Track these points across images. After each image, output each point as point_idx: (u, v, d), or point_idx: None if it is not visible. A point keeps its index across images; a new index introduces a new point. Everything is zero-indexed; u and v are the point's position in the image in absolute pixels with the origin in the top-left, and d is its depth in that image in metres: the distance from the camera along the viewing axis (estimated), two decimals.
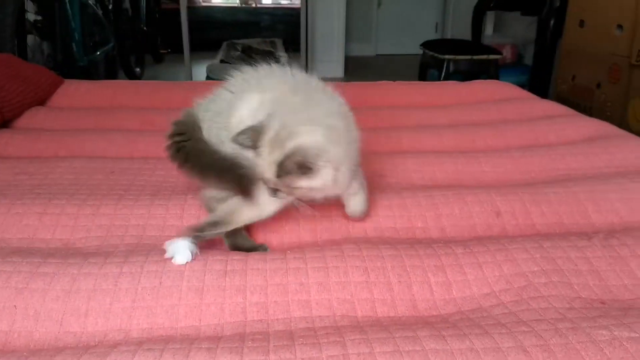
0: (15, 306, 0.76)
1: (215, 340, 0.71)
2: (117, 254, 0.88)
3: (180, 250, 0.85)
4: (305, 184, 0.84)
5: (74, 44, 2.91)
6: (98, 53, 3.23)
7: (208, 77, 3.71)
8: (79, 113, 1.65)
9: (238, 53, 4.28)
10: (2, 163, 1.24)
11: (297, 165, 0.81)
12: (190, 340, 0.70)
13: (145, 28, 4.50)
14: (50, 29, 2.74)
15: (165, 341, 0.70)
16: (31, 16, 2.73)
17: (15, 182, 1.15)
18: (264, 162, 0.84)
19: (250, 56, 4.14)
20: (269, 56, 4.20)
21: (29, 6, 2.67)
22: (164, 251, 0.87)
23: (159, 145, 1.42)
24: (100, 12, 3.32)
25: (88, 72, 3.05)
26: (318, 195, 0.89)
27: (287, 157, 0.81)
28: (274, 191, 0.87)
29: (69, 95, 1.79)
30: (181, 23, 3.98)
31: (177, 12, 4.15)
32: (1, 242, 0.95)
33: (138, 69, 4.18)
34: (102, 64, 3.45)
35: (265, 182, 0.87)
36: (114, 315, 0.76)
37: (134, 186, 1.16)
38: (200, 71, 4.28)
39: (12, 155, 1.35)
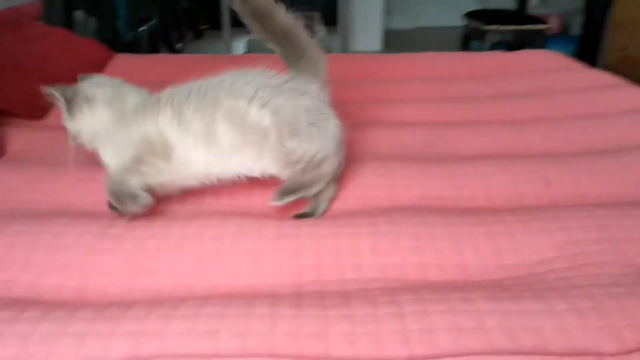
0: (88, 263, 0.81)
1: (274, 297, 0.74)
2: (178, 217, 0.92)
3: None
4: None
5: (119, 20, 2.98)
6: (142, 29, 3.30)
7: (248, 51, 3.74)
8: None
9: None
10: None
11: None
12: (251, 297, 0.74)
13: (186, 4, 4.54)
14: (97, 5, 2.81)
15: (229, 297, 0.74)
16: None
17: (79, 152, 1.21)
18: None
19: None
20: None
21: None
22: (222, 215, 0.91)
23: None
24: None
25: (132, 48, 3.12)
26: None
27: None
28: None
29: (120, 69, 1.85)
30: None
31: None
32: (70, 205, 1.00)
33: (179, 45, 4.25)
34: (145, 40, 3.52)
35: None
36: (179, 274, 0.81)
37: None
38: (239, 46, 4.31)
39: None
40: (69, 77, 1.62)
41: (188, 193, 1.04)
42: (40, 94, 1.39)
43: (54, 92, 0.93)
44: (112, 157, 0.92)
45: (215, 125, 0.90)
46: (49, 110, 1.46)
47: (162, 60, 1.94)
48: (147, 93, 1.00)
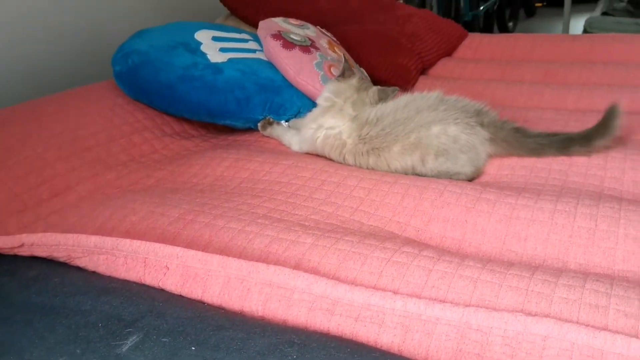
0: (466, 221, 0.90)
1: None
2: (546, 192, 0.94)
3: None
4: None
5: (462, 0, 3.09)
6: (481, 8, 3.36)
7: (585, 31, 3.45)
8: (483, 64, 1.77)
9: (623, 4, 3.81)
10: None
11: None
12: (632, 282, 0.72)
13: None
14: None
15: (607, 277, 0.74)
16: None
17: None
18: None
19: (638, 7, 3.65)
20: None
21: None
22: (594, 195, 0.90)
23: (564, 98, 1.44)
24: None
25: (471, 27, 3.21)
26: None
27: None
28: None
29: (472, 48, 1.94)
30: None
31: None
32: None
33: (511, 23, 4.17)
34: (481, 19, 3.58)
35: None
36: (552, 245, 0.83)
37: None
38: (576, 25, 4.00)
39: None
40: (436, 54, 1.78)
41: (554, 171, 1.05)
42: (409, 69, 1.56)
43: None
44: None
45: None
46: (414, 83, 1.63)
47: (511, 39, 1.95)
48: None
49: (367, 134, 1.12)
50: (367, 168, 1.12)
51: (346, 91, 1.20)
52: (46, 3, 1.50)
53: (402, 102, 1.13)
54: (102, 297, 0.70)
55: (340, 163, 1.16)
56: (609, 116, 1.08)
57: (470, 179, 1.07)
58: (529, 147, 1.10)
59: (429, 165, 1.07)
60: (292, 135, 1.26)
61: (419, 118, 1.09)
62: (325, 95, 1.21)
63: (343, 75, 1.23)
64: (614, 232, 0.82)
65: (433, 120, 1.08)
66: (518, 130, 1.11)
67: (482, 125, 1.09)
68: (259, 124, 1.33)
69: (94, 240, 0.81)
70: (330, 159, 1.17)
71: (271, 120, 1.34)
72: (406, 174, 1.09)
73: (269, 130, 1.32)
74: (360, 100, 1.19)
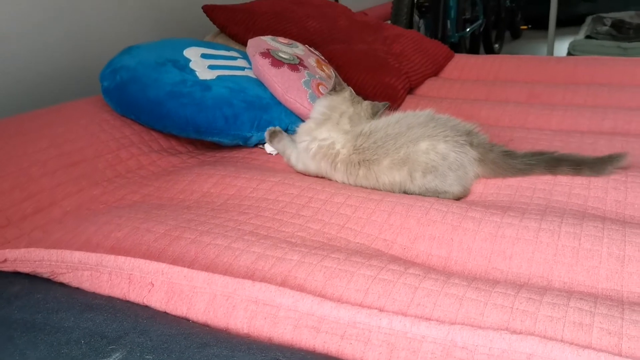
0: (452, 239, 0.91)
1: None
2: (531, 211, 0.95)
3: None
4: None
5: (449, 22, 3.14)
6: (468, 30, 3.41)
7: (569, 54, 3.52)
8: (469, 84, 1.80)
9: (606, 28, 3.90)
10: None
11: None
12: (616, 301, 0.73)
13: (508, 3, 4.50)
14: (432, 8, 3.02)
15: (592, 296, 0.74)
16: None
17: None
18: None
19: (620, 31, 3.74)
20: None
21: None
22: (578, 214, 0.91)
23: (548, 119, 1.46)
24: None
25: (457, 48, 3.26)
26: None
27: None
28: None
29: (459, 68, 1.97)
30: None
31: None
32: None
33: (497, 45, 4.24)
34: (467, 40, 3.63)
35: None
36: (536, 264, 0.84)
37: None
38: (560, 48, 4.08)
39: None
40: (423, 73, 1.81)
41: (538, 190, 1.06)
42: (396, 88, 1.58)
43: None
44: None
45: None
46: (401, 102, 1.65)
47: (497, 61, 1.99)
48: None
49: (360, 145, 1.13)
50: (356, 182, 1.13)
51: (341, 105, 1.21)
52: (34, 18, 1.50)
53: (394, 119, 1.15)
54: (86, 313, 0.69)
55: (330, 176, 1.16)
56: (610, 160, 1.08)
57: (458, 199, 1.08)
58: (517, 169, 1.11)
59: (417, 182, 1.08)
60: (293, 149, 1.26)
61: (409, 134, 1.10)
62: (319, 109, 1.22)
63: (335, 89, 1.24)
64: (597, 251, 0.83)
65: (422, 136, 1.09)
66: (506, 153, 1.12)
67: (471, 145, 1.10)
68: (266, 133, 1.32)
69: (78, 256, 0.80)
70: (321, 175, 1.18)
71: (278, 129, 1.32)
72: (393, 191, 1.10)
73: (275, 142, 1.31)
74: (356, 115, 1.20)
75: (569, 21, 4.63)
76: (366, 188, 1.12)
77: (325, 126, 1.19)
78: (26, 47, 1.48)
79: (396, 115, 1.16)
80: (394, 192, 1.09)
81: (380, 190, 1.10)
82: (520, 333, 0.63)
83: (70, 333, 0.65)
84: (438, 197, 1.07)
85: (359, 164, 1.12)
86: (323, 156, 1.16)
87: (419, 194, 1.08)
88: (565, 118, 1.46)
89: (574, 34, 3.80)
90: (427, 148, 1.07)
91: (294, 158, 1.23)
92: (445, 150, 1.07)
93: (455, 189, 1.08)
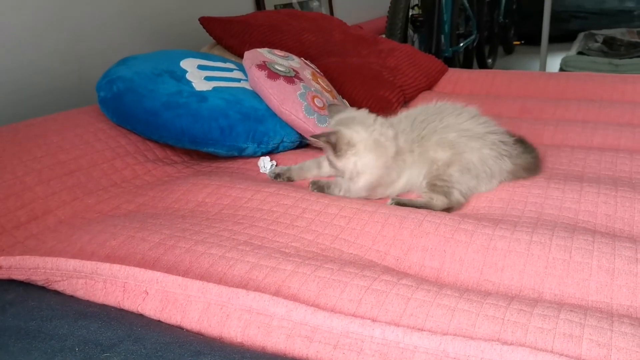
0: (444, 250, 0.92)
1: (632, 319, 0.72)
2: (522, 224, 0.97)
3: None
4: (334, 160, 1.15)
5: (443, 36, 3.18)
6: (461, 44, 3.45)
7: (561, 70, 3.56)
8: (462, 98, 1.81)
9: (598, 44, 3.96)
10: None
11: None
12: (605, 313, 0.74)
13: (502, 19, 4.56)
14: (426, 23, 3.06)
15: (582, 308, 0.75)
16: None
17: None
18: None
19: (611, 48, 3.80)
20: (634, 48, 3.77)
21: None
22: (569, 227, 0.93)
23: (540, 133, 1.48)
24: (467, 4, 3.52)
25: (451, 62, 3.29)
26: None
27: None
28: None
29: (452, 82, 1.99)
30: (543, 13, 3.88)
31: (536, 2, 4.07)
32: None
33: (490, 60, 4.29)
34: (461, 55, 3.67)
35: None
36: (528, 276, 0.85)
37: None
38: (552, 63, 4.13)
39: None
40: (417, 87, 1.83)
41: (530, 203, 1.08)
42: (390, 101, 1.59)
43: (320, 139, 1.13)
44: (365, 185, 1.15)
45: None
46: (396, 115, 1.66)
47: (490, 75, 2.01)
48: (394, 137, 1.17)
49: (407, 129, 1.18)
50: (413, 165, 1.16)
51: (364, 130, 1.16)
52: (31, 28, 1.51)
53: (426, 108, 1.24)
54: (80, 321, 0.69)
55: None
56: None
57: (449, 209, 1.10)
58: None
59: (449, 170, 1.12)
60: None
61: (457, 120, 1.17)
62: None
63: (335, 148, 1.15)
64: (587, 264, 0.85)
65: (473, 132, 1.15)
66: (533, 156, 1.23)
67: (510, 156, 1.16)
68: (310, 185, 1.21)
69: (73, 264, 0.80)
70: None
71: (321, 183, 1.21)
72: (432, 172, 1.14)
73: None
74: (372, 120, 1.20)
75: (561, 37, 4.70)
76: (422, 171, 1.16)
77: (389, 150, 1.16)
78: (23, 57, 1.49)
79: (425, 106, 1.24)
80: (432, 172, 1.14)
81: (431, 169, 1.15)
82: (512, 344, 0.64)
83: (64, 340, 0.65)
84: (430, 200, 1.10)
85: (413, 143, 1.16)
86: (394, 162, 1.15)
87: (431, 182, 1.12)
88: (557, 133, 1.48)
89: (566, 50, 3.86)
90: (474, 148, 1.13)
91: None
92: (487, 157, 1.13)
93: (457, 196, 1.11)
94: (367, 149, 1.14)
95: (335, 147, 1.13)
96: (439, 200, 1.10)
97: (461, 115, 1.19)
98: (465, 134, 1.14)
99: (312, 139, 1.15)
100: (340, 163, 1.15)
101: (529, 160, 1.20)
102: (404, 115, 1.23)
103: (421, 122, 1.18)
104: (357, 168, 1.14)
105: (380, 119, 1.20)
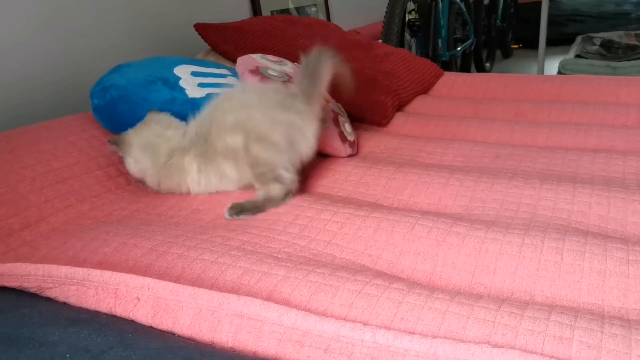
0: (436, 254, 0.92)
1: (623, 320, 0.72)
2: (515, 226, 0.97)
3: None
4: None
5: (440, 41, 3.19)
6: (459, 49, 3.46)
7: (559, 73, 3.57)
8: (458, 102, 1.82)
9: (595, 47, 3.97)
10: (405, 140, 1.48)
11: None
12: (597, 315, 0.74)
13: (499, 23, 4.57)
14: (423, 27, 3.06)
15: (573, 310, 0.75)
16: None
17: (418, 158, 1.37)
18: None
19: (609, 51, 3.81)
20: (632, 50, 3.78)
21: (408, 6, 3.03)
22: (561, 228, 0.93)
23: (534, 136, 1.48)
24: (464, 9, 3.53)
25: (448, 67, 3.30)
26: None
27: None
28: None
29: (447, 86, 2.00)
30: (540, 17, 3.89)
31: (533, 5, 4.08)
32: (413, 204, 1.15)
33: (488, 64, 4.30)
34: (458, 59, 3.68)
35: None
36: (519, 278, 0.85)
37: (520, 170, 1.24)
38: (550, 66, 4.14)
39: (408, 134, 1.60)
40: (412, 91, 1.83)
41: (523, 204, 1.08)
42: (385, 105, 1.60)
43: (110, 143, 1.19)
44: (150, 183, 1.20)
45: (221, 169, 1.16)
46: (390, 119, 1.67)
47: (485, 79, 2.02)
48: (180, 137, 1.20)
49: (193, 131, 1.18)
50: (204, 165, 1.17)
51: (155, 138, 1.20)
52: (23, 34, 1.51)
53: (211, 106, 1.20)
54: (71, 327, 0.69)
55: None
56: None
57: (288, 193, 1.12)
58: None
59: (254, 151, 1.11)
60: None
61: (230, 103, 1.16)
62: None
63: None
64: (579, 266, 0.85)
65: (252, 103, 1.14)
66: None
67: (293, 98, 1.15)
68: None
69: (64, 270, 0.80)
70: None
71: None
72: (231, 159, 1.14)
73: None
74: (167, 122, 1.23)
75: (559, 41, 4.71)
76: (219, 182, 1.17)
77: (161, 150, 1.18)
78: (15, 63, 1.50)
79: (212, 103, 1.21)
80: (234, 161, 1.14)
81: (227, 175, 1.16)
82: (502, 347, 0.64)
83: (55, 347, 0.65)
84: (267, 189, 1.10)
85: (200, 143, 1.16)
86: (175, 170, 1.18)
87: (254, 173, 1.12)
88: (551, 135, 1.48)
89: (564, 53, 3.87)
90: (255, 115, 1.12)
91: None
92: (272, 116, 1.12)
93: (287, 175, 1.11)
94: (140, 149, 1.17)
95: (118, 149, 1.18)
96: (276, 190, 1.10)
97: (233, 95, 1.18)
98: (243, 109, 1.13)
99: (109, 142, 1.20)
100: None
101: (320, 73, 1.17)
102: (196, 119, 1.23)
103: (203, 121, 1.18)
104: (133, 169, 1.19)
105: (175, 122, 1.23)
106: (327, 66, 1.17)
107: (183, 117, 1.29)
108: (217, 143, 1.14)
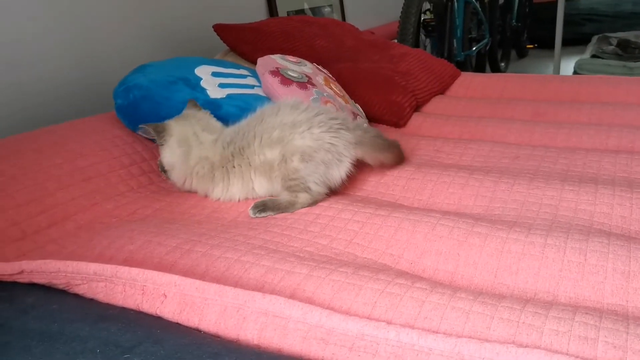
0: (458, 254, 0.92)
1: None
2: (537, 226, 0.97)
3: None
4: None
5: (455, 41, 3.18)
6: (474, 49, 3.45)
7: (575, 73, 3.54)
8: (475, 102, 1.82)
9: (612, 47, 3.93)
10: (423, 140, 1.48)
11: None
12: (621, 316, 0.74)
13: (514, 23, 4.55)
14: (438, 27, 3.06)
15: (597, 311, 0.75)
16: None
17: (437, 159, 1.37)
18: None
19: (626, 51, 3.77)
20: None
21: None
22: (584, 229, 0.93)
23: (554, 136, 1.48)
24: (479, 8, 3.51)
25: (463, 67, 3.29)
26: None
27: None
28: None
29: (464, 86, 1.99)
30: (555, 16, 3.86)
31: (549, 5, 4.05)
32: (432, 204, 1.15)
33: (503, 64, 4.28)
34: (473, 59, 3.67)
35: None
36: (542, 279, 0.85)
37: (540, 171, 1.23)
38: (566, 67, 4.11)
39: (425, 134, 1.60)
40: (429, 91, 1.83)
41: (545, 205, 1.07)
42: (402, 106, 1.60)
43: (149, 128, 1.18)
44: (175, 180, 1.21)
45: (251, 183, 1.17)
46: (407, 120, 1.67)
47: (502, 79, 2.01)
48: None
49: (228, 141, 1.17)
50: (233, 177, 1.16)
51: (188, 128, 1.20)
52: (49, 37, 1.54)
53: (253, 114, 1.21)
54: (100, 323, 0.70)
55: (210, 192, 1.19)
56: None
57: (312, 204, 1.12)
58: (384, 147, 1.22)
59: (292, 164, 1.11)
60: None
61: (275, 117, 1.15)
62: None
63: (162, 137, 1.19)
64: (602, 267, 0.84)
65: (298, 121, 1.13)
66: (377, 135, 1.22)
67: (347, 129, 1.15)
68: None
69: (93, 267, 0.82)
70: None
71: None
72: (267, 173, 1.14)
73: None
74: (206, 123, 1.23)
75: (574, 40, 4.68)
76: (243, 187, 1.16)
77: (192, 152, 1.18)
78: (42, 68, 1.52)
79: (250, 117, 1.21)
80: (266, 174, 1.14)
81: (255, 181, 1.16)
82: (527, 347, 0.64)
83: (85, 342, 0.66)
84: (294, 195, 1.11)
85: (232, 155, 1.16)
86: (202, 177, 1.18)
87: (285, 185, 1.12)
88: (571, 136, 1.47)
89: (580, 53, 3.83)
90: (302, 132, 1.11)
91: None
92: (321, 135, 1.11)
93: (316, 188, 1.11)
94: (178, 143, 1.17)
95: (159, 136, 1.17)
96: (302, 198, 1.11)
97: (280, 110, 1.16)
98: (288, 126, 1.13)
99: (142, 126, 1.18)
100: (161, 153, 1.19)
101: (378, 141, 1.21)
102: (232, 128, 1.22)
103: (243, 134, 1.17)
104: (167, 159, 1.18)
105: (212, 124, 1.23)
106: (392, 151, 1.24)
107: None
108: (255, 158, 1.14)
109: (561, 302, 0.81)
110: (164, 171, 1.21)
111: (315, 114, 1.15)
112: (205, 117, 1.23)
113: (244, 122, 1.20)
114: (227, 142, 1.17)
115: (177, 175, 1.19)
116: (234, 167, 1.16)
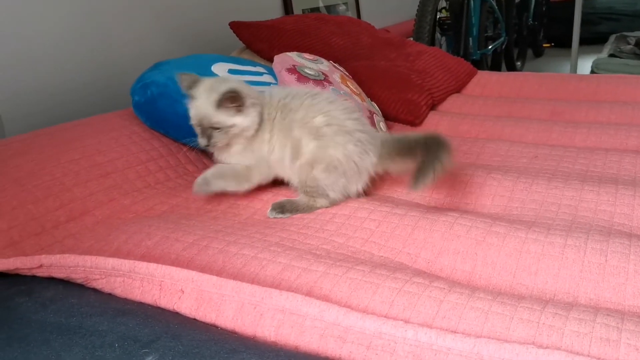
0: (476, 254, 0.91)
1: None
2: (556, 227, 0.96)
3: None
4: (239, 121, 1.08)
5: (471, 39, 3.15)
6: (490, 47, 3.42)
7: (592, 72, 3.50)
8: (492, 101, 1.80)
9: (630, 47, 3.88)
10: None
11: (231, 99, 1.06)
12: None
13: (531, 22, 4.50)
14: (454, 25, 3.04)
15: (618, 312, 0.74)
16: None
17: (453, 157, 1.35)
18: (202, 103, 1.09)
19: None
20: None
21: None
22: (604, 230, 0.92)
23: (572, 136, 1.46)
24: (495, 7, 3.48)
25: (479, 65, 3.26)
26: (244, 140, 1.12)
27: (224, 93, 1.05)
28: (208, 138, 1.09)
29: (481, 85, 1.98)
30: (574, 15, 3.82)
31: (565, 4, 4.00)
32: (450, 203, 1.14)
33: (519, 63, 4.24)
34: (489, 58, 3.64)
35: (202, 124, 1.10)
36: (562, 280, 0.84)
37: (559, 171, 1.22)
38: (583, 66, 4.06)
39: (441, 133, 1.58)
40: (445, 90, 1.82)
41: (564, 205, 1.06)
42: (418, 104, 1.59)
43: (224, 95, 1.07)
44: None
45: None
46: (424, 118, 1.66)
47: (519, 78, 1.99)
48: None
49: (282, 97, 1.15)
50: (280, 131, 1.12)
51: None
52: (66, 34, 1.55)
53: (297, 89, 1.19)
54: (119, 318, 0.71)
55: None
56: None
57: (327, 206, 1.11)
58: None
59: (314, 172, 1.09)
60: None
61: (327, 105, 1.12)
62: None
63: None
64: (624, 268, 0.83)
65: (343, 127, 1.10)
66: (398, 141, 1.13)
67: (374, 151, 1.12)
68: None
69: (111, 262, 0.82)
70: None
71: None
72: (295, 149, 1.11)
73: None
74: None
75: (592, 39, 4.62)
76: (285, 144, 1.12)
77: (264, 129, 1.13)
78: (59, 65, 1.54)
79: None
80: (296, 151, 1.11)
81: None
82: (547, 348, 0.63)
83: (104, 336, 0.67)
84: (312, 200, 1.10)
85: (280, 111, 1.13)
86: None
87: (302, 188, 1.10)
88: (589, 136, 1.46)
89: (597, 53, 3.79)
90: (339, 143, 1.08)
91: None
92: (352, 153, 1.09)
93: (334, 195, 1.10)
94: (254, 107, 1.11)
95: (239, 101, 1.07)
96: (319, 202, 1.10)
97: (334, 103, 1.13)
98: (333, 123, 1.09)
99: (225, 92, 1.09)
100: (239, 119, 1.09)
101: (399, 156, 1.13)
102: (285, 89, 1.20)
103: (292, 97, 1.14)
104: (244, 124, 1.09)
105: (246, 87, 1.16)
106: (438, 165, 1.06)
107: None
108: (293, 125, 1.11)
109: (581, 304, 0.80)
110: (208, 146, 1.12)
111: (360, 129, 1.12)
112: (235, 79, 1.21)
113: (297, 89, 1.19)
114: (282, 97, 1.15)
115: (248, 129, 1.11)
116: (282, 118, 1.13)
